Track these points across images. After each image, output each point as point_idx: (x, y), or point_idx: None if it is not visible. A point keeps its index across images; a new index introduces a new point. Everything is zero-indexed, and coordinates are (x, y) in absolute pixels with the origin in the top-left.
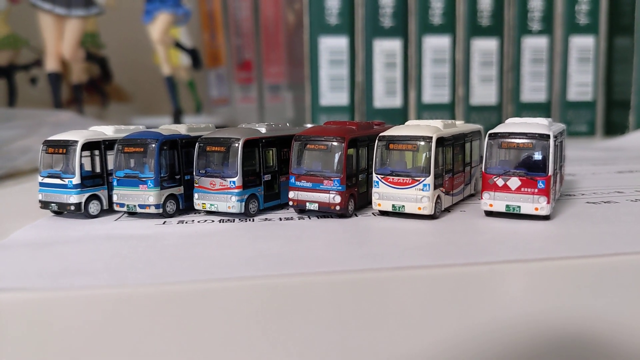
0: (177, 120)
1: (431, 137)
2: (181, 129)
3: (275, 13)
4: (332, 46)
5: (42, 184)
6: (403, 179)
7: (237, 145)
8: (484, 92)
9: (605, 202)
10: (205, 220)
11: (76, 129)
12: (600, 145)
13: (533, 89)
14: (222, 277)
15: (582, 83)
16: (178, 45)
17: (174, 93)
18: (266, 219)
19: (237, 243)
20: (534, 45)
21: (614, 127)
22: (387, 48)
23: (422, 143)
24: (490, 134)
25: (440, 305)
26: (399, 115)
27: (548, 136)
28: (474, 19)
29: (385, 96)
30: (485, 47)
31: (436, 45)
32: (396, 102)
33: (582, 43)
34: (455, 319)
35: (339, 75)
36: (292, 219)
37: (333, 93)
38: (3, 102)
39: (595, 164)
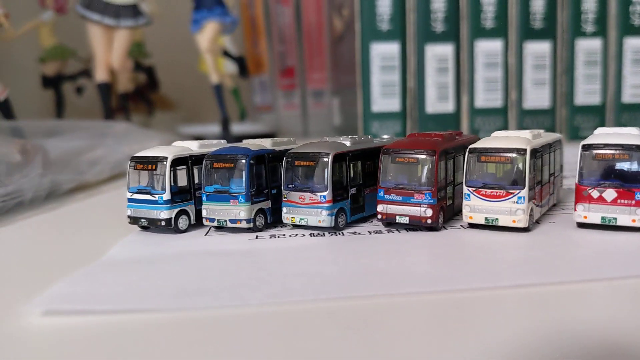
0: (225, 128)
1: (525, 149)
2: (266, 143)
3: (318, 19)
4: (384, 52)
5: (130, 200)
6: (496, 192)
7: (327, 159)
8: (537, 96)
9: None
10: (296, 235)
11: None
12: None
13: (587, 92)
14: (336, 295)
15: (637, 85)
16: (226, 54)
17: (222, 101)
18: (355, 232)
19: (340, 259)
20: (588, 47)
21: None
22: (439, 53)
23: (516, 155)
24: (584, 145)
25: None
26: (452, 121)
27: None
28: (527, 22)
29: (437, 101)
30: (538, 50)
31: (488, 49)
32: (448, 107)
33: (636, 44)
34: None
35: (390, 81)
36: (380, 232)
37: (385, 99)
38: (51, 112)
39: None
